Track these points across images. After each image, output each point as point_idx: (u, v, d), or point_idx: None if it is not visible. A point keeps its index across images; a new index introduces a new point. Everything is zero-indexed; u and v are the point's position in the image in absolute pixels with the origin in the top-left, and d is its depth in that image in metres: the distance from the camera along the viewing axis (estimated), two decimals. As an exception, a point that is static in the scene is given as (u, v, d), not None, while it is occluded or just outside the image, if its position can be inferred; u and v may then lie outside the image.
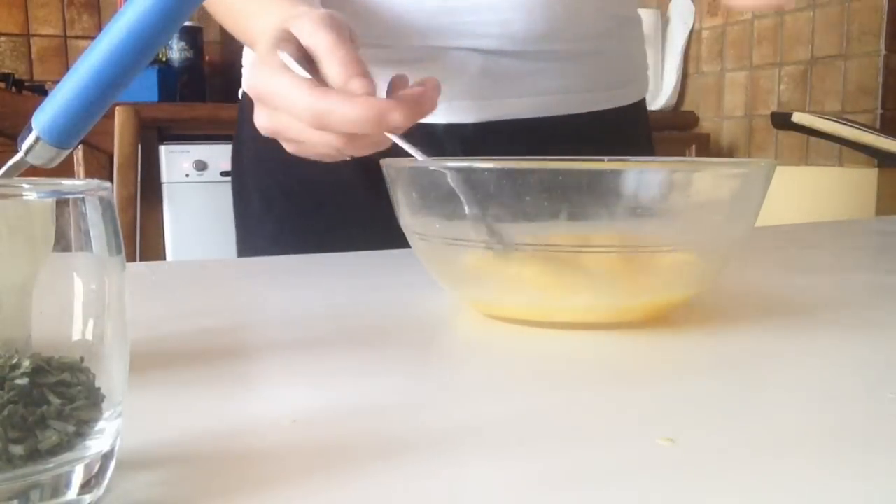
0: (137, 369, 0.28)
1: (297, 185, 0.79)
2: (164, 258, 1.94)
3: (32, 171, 0.40)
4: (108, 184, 0.24)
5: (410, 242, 0.49)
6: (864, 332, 0.45)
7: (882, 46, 1.98)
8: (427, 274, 0.49)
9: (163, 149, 1.97)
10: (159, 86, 2.12)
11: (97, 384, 0.24)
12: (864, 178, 1.82)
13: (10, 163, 0.39)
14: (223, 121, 1.81)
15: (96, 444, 0.23)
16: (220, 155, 1.96)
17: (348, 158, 0.53)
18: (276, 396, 0.35)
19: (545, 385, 0.36)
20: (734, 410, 0.33)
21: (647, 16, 2.49)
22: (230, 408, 0.33)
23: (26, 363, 0.22)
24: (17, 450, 0.21)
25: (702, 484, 0.26)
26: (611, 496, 0.25)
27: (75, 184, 0.24)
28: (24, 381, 0.22)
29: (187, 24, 2.22)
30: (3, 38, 2.35)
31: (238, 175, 0.86)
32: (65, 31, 2.41)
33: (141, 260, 1.21)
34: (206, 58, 2.36)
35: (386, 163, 0.48)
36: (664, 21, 2.56)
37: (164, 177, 1.97)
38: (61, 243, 0.23)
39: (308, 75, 0.48)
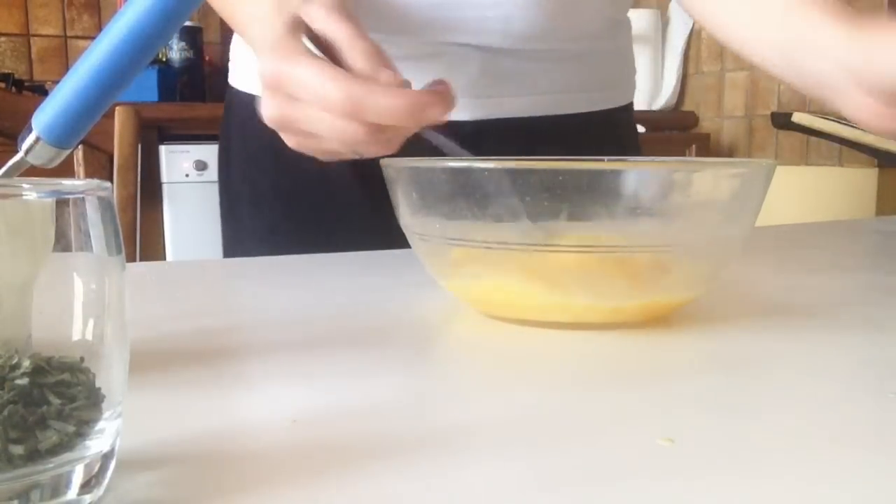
0: (137, 369, 0.28)
1: (290, 184, 0.78)
2: (164, 258, 1.94)
3: (32, 171, 0.40)
4: (108, 184, 0.24)
5: (410, 242, 0.49)
6: (864, 332, 0.45)
7: (882, 46, 1.98)
8: (427, 274, 0.49)
9: (163, 149, 1.97)
10: (159, 86, 2.12)
11: (97, 384, 0.24)
12: (864, 178, 1.82)
13: (10, 163, 0.39)
14: (223, 121, 1.80)
15: (96, 444, 0.23)
16: (220, 155, 1.96)
17: (354, 157, 0.52)
18: (276, 396, 0.35)
19: (545, 385, 0.36)
20: (734, 410, 0.33)
21: (647, 16, 2.50)
22: (230, 408, 0.33)
23: (26, 363, 0.22)
24: (17, 450, 0.21)
25: (702, 484, 0.26)
26: (611, 496, 0.25)
27: (75, 184, 0.24)
28: (24, 381, 0.22)
29: (187, 24, 2.22)
30: (3, 38, 2.35)
31: (226, 174, 0.85)
32: (65, 31, 2.41)
33: (141, 260, 1.21)
34: (206, 58, 2.36)
35: (386, 163, 0.48)
36: (664, 21, 2.56)
37: (164, 177, 1.98)
38: (61, 243, 0.23)
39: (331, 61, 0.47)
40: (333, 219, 0.79)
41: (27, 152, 0.39)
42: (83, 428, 0.23)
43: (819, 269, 0.67)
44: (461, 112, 0.74)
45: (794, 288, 0.58)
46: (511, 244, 0.43)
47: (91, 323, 0.24)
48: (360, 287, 0.58)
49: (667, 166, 0.45)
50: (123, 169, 1.13)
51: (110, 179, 1.08)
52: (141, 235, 1.17)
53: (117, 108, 1.13)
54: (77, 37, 2.41)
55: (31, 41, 2.38)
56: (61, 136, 0.38)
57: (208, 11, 0.68)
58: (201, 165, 1.98)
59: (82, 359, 0.23)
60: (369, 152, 0.50)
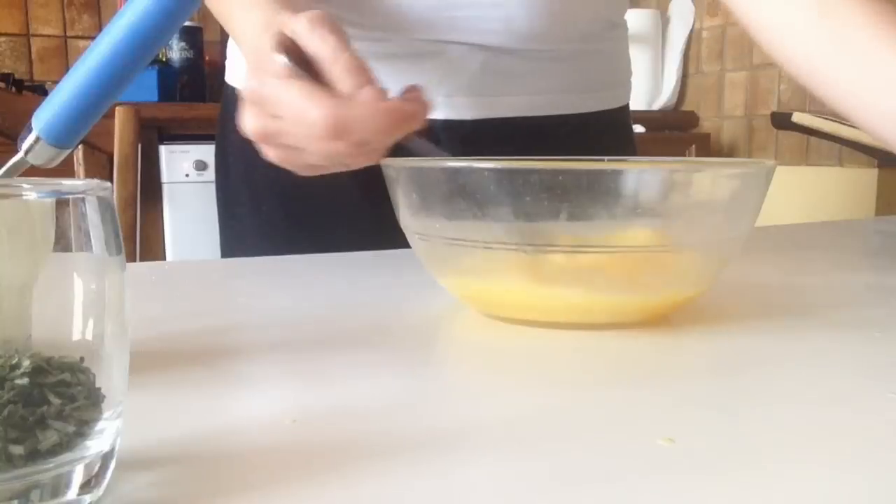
0: (137, 369, 0.28)
1: (289, 184, 0.78)
2: (164, 258, 1.94)
3: (32, 171, 0.40)
4: (108, 184, 0.24)
5: (410, 242, 0.49)
6: (864, 332, 0.45)
7: (882, 46, 1.98)
8: (427, 274, 0.49)
9: (163, 149, 1.97)
10: (159, 86, 2.12)
11: (97, 384, 0.24)
12: (864, 178, 1.82)
13: (10, 163, 0.39)
14: (223, 121, 1.80)
15: (96, 444, 0.23)
16: (220, 155, 1.96)
17: (335, 171, 0.52)
18: (276, 396, 0.35)
19: (545, 385, 0.36)
20: (734, 411, 0.33)
21: (647, 16, 2.50)
22: (230, 408, 0.33)
23: (26, 363, 0.22)
24: (17, 450, 0.21)
25: (702, 484, 0.26)
26: (611, 496, 0.25)
27: (75, 184, 0.24)
28: (24, 381, 0.22)
29: (187, 24, 2.22)
30: (3, 38, 2.35)
31: (223, 174, 0.85)
32: (65, 31, 2.41)
33: (141, 260, 1.21)
34: (206, 58, 2.36)
35: (386, 163, 0.48)
36: (664, 21, 2.56)
37: (164, 177, 1.97)
38: (61, 243, 0.23)
39: (311, 79, 0.47)
40: (333, 219, 0.79)
41: (27, 152, 0.39)
42: (83, 428, 0.23)
43: (819, 269, 0.67)
44: (461, 111, 0.74)
45: (794, 288, 0.58)
46: (511, 244, 0.43)
47: (91, 323, 0.24)
48: (360, 287, 0.58)
49: (667, 166, 0.45)
50: (123, 169, 1.13)
51: (110, 179, 1.08)
52: (141, 235, 1.17)
53: (117, 108, 1.14)
54: (77, 37, 2.41)
55: (31, 41, 2.38)
56: (61, 136, 0.38)
57: (208, 11, 0.68)
58: (201, 165, 1.98)
59: (82, 359, 0.23)
60: (353, 164, 0.50)
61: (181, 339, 0.43)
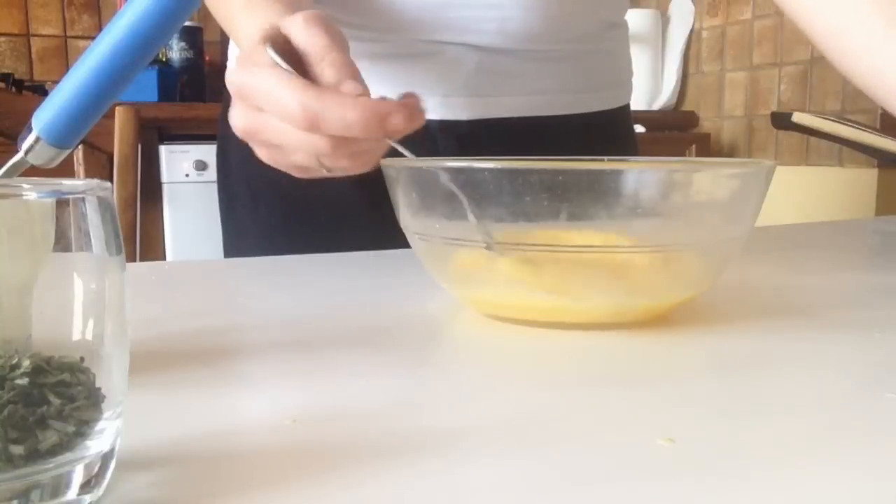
0: (137, 369, 0.28)
1: (290, 184, 0.78)
2: (164, 258, 1.94)
3: (32, 171, 0.40)
4: (108, 184, 0.24)
5: (410, 242, 0.49)
6: (864, 332, 0.45)
7: (882, 46, 1.98)
8: (427, 274, 0.49)
9: (163, 149, 1.97)
10: (159, 86, 2.12)
11: (97, 384, 0.24)
12: (864, 178, 1.82)
13: (10, 163, 0.39)
14: (223, 121, 1.80)
15: (96, 444, 0.23)
16: (220, 155, 1.96)
17: (322, 175, 0.50)
18: (276, 396, 0.35)
19: (545, 385, 0.36)
20: (734, 410, 0.33)
21: (647, 16, 2.49)
22: (230, 408, 0.33)
23: (26, 363, 0.22)
24: (17, 450, 0.21)
25: (702, 484, 0.26)
26: (611, 496, 0.25)
27: (75, 184, 0.24)
28: (24, 381, 0.22)
29: (187, 24, 2.22)
30: (3, 38, 2.35)
31: (224, 174, 0.85)
32: (65, 31, 2.41)
33: (141, 260, 1.21)
34: (206, 58, 2.36)
35: (386, 163, 0.48)
36: (664, 21, 2.56)
37: (164, 177, 1.97)
38: (61, 243, 0.23)
39: (294, 72, 0.46)
40: (334, 219, 0.79)
41: (27, 152, 0.39)
42: (83, 428, 0.23)
43: (819, 269, 0.67)
44: (457, 111, 0.74)
45: (794, 288, 0.58)
46: (511, 244, 0.43)
47: (91, 323, 0.24)
48: (359, 287, 0.58)
49: (667, 166, 0.45)
50: (123, 169, 1.13)
51: (110, 179, 1.08)
52: (141, 235, 1.17)
53: (117, 108, 1.14)
54: (77, 37, 2.41)
55: (31, 41, 2.38)
56: (61, 136, 0.38)
57: (208, 11, 0.68)
58: (201, 165, 1.98)
59: (82, 359, 0.23)
60: (338, 167, 0.49)
61: (181, 339, 0.43)
